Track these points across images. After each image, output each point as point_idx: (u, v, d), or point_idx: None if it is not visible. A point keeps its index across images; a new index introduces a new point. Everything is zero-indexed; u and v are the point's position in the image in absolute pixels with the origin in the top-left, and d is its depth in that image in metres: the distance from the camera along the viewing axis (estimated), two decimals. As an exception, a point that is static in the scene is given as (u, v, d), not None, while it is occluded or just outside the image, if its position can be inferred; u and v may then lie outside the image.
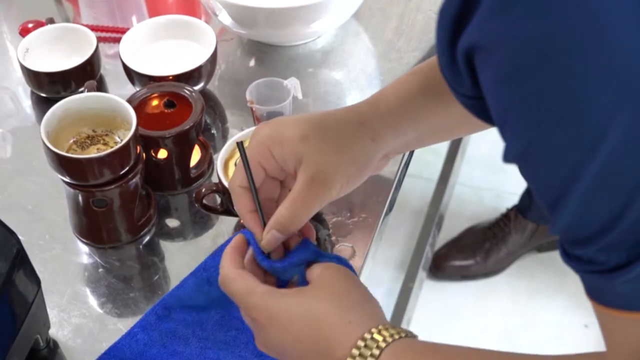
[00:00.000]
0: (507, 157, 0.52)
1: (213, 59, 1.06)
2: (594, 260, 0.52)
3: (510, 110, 0.49)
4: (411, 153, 1.03)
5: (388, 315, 1.77)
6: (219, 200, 0.93)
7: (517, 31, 0.46)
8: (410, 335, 0.66)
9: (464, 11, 0.49)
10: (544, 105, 0.47)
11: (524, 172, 0.52)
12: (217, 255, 0.82)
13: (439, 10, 0.50)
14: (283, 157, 0.74)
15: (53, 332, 0.85)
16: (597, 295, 0.54)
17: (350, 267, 0.75)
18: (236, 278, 0.71)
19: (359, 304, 0.69)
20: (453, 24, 0.50)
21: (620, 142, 0.46)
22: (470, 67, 0.51)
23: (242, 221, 0.77)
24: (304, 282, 0.72)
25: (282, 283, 0.74)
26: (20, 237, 0.75)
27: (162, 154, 0.95)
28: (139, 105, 0.96)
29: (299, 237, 0.75)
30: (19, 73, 1.11)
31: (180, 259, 0.92)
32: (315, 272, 0.71)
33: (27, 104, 1.12)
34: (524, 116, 0.48)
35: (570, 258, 0.54)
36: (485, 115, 0.53)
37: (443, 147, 2.15)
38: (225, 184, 0.88)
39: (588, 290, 0.55)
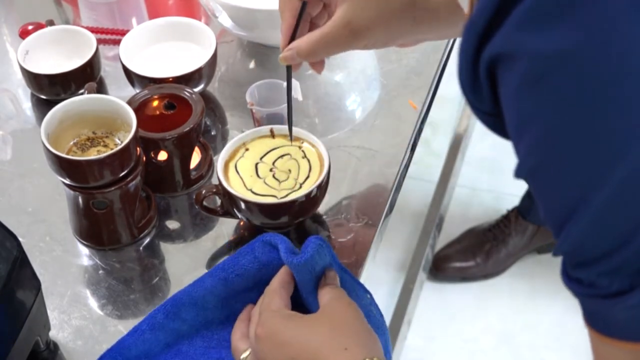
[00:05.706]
0: (519, 173, 0.51)
1: (213, 60, 1.06)
2: (595, 284, 0.51)
3: (527, 124, 0.49)
4: (411, 155, 1.03)
5: (389, 316, 1.77)
6: (219, 202, 0.93)
7: (544, 45, 0.45)
8: None
9: (491, 24, 0.48)
10: (562, 122, 0.47)
11: (535, 189, 0.52)
12: (237, 256, 0.81)
13: (466, 25, 0.50)
14: None
15: (53, 334, 0.85)
16: (595, 322, 0.54)
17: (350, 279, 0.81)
18: (274, 295, 0.76)
19: (357, 334, 0.71)
20: (479, 37, 0.49)
21: (634, 169, 0.46)
22: (491, 80, 0.50)
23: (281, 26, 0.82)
24: (314, 301, 0.76)
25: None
26: (20, 239, 0.75)
27: (162, 155, 0.95)
28: (139, 107, 0.96)
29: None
30: (19, 75, 1.11)
31: (180, 261, 0.92)
32: (325, 297, 0.75)
33: (27, 106, 1.12)
34: (541, 131, 0.48)
35: (571, 280, 0.53)
36: (502, 131, 0.53)
37: (443, 148, 2.15)
38: (226, 185, 0.88)
39: (586, 317, 0.55)
